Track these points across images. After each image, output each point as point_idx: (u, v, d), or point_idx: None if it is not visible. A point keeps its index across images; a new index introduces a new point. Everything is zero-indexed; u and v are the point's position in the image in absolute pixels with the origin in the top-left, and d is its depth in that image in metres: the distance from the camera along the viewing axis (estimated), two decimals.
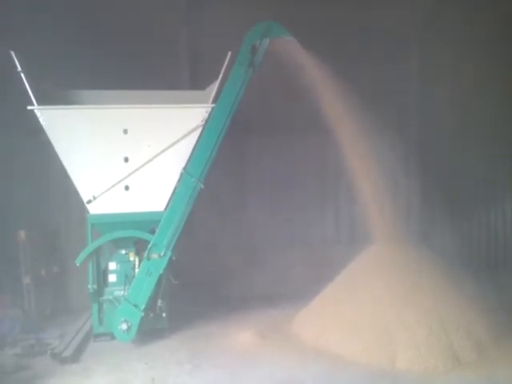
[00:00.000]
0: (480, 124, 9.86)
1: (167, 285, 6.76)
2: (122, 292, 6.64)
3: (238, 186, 9.25)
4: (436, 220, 9.80)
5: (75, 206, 7.29)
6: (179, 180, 6.69)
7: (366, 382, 5.40)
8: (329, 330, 6.41)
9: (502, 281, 8.66)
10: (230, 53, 6.62)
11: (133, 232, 6.68)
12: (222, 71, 6.66)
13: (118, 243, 6.78)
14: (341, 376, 5.50)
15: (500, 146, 10.40)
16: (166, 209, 6.68)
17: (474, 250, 10.49)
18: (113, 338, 6.67)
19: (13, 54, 6.13)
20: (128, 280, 6.71)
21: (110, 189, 6.56)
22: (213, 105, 6.70)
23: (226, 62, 6.64)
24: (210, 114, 6.69)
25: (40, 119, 6.30)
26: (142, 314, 6.48)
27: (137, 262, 6.77)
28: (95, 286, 6.62)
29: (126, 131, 6.57)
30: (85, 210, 6.69)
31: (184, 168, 6.67)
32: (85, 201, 6.55)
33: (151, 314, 6.64)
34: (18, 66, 6.15)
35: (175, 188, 6.70)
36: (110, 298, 6.67)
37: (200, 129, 6.69)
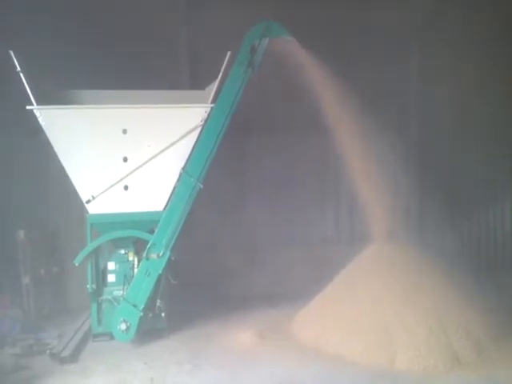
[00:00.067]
0: (480, 124, 9.86)
1: (166, 285, 6.75)
2: (121, 292, 6.63)
3: (237, 186, 9.24)
4: (436, 220, 9.79)
5: (75, 205, 7.28)
6: (178, 180, 6.69)
7: (366, 382, 5.39)
8: (329, 329, 6.40)
9: (502, 281, 8.67)
10: (229, 53, 6.62)
11: (132, 232, 6.67)
12: (222, 71, 6.67)
13: (117, 243, 6.78)
14: (341, 376, 5.49)
15: (500, 146, 10.40)
16: (165, 209, 6.68)
17: (474, 250, 10.49)
18: (112, 337, 6.66)
19: (12, 53, 6.12)
20: (127, 280, 6.70)
21: (109, 189, 6.56)
22: (212, 105, 6.70)
23: (225, 62, 6.64)
24: (209, 114, 6.68)
25: (39, 119, 6.29)
26: (141, 313, 6.48)
27: (136, 262, 6.76)
28: (94, 286, 6.62)
29: (125, 131, 6.56)
30: (84, 210, 6.68)
31: (183, 168, 6.67)
32: (84, 201, 6.54)
33: (150, 314, 6.64)
34: (17, 66, 6.15)
35: (174, 188, 6.70)
36: (109, 297, 6.66)
37: (199, 129, 6.69)
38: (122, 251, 6.83)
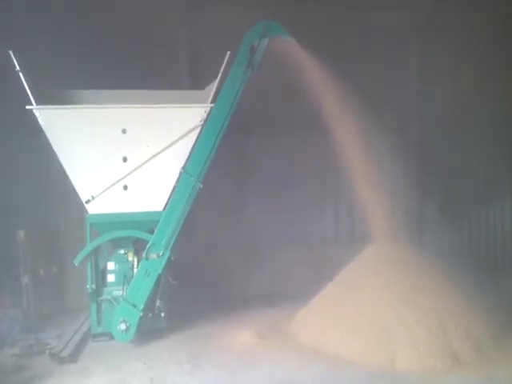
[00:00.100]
0: (480, 124, 9.86)
1: (166, 285, 6.74)
2: (121, 292, 6.63)
3: (237, 186, 9.23)
4: (436, 220, 9.78)
5: (74, 205, 7.28)
6: (178, 180, 6.68)
7: (366, 382, 5.39)
8: (328, 329, 6.40)
9: (502, 281, 8.66)
10: (228, 53, 6.61)
11: (131, 232, 6.67)
12: (221, 71, 6.66)
13: (117, 243, 6.77)
14: (341, 376, 5.49)
15: (500, 146, 10.39)
16: (164, 208, 6.68)
17: (474, 249, 10.49)
18: (111, 337, 6.66)
19: (11, 53, 6.12)
20: (127, 280, 6.69)
21: (108, 189, 6.56)
22: (211, 105, 6.69)
23: (224, 62, 6.63)
24: (208, 114, 6.68)
25: (39, 119, 6.29)
26: (141, 313, 6.48)
27: (135, 262, 6.76)
28: (94, 286, 6.62)
29: (124, 131, 6.56)
30: (84, 210, 6.68)
31: (183, 168, 6.67)
32: (83, 201, 6.54)
33: (150, 314, 6.64)
34: (17, 66, 6.14)
35: (174, 188, 6.70)
36: (109, 297, 6.66)
37: (199, 128, 6.68)
38: (122, 251, 6.82)
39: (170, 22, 9.00)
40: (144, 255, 6.59)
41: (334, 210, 10.11)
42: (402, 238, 7.11)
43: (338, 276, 7.08)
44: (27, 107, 6.23)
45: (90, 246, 6.60)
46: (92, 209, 6.57)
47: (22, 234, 7.84)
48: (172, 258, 6.63)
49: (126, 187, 6.62)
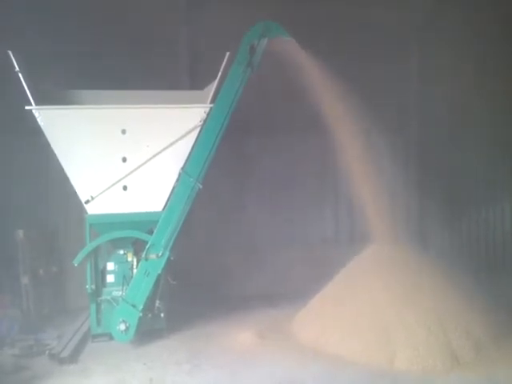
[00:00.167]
0: (480, 124, 9.85)
1: (165, 285, 6.74)
2: (120, 292, 6.62)
3: (237, 186, 9.22)
4: (436, 220, 9.78)
5: (74, 206, 7.27)
6: (177, 180, 6.68)
7: (366, 382, 5.39)
8: (328, 329, 6.40)
9: (502, 281, 8.66)
10: (228, 53, 6.61)
11: (131, 232, 6.66)
12: (221, 71, 6.66)
13: (116, 243, 6.76)
14: (340, 376, 5.49)
15: (500, 146, 10.38)
16: (164, 209, 6.67)
17: (474, 249, 10.48)
18: (111, 338, 6.66)
19: (11, 53, 6.11)
20: (126, 280, 6.68)
21: (108, 189, 6.55)
22: (211, 105, 6.69)
23: (224, 62, 6.63)
24: (208, 114, 6.68)
25: (38, 119, 6.28)
26: (140, 314, 6.47)
27: (135, 263, 6.75)
28: (93, 287, 6.61)
29: (124, 131, 6.55)
30: (83, 210, 6.68)
31: (182, 168, 6.66)
32: (83, 201, 6.54)
33: (149, 315, 6.63)
34: (16, 66, 6.13)
35: (173, 188, 6.69)
36: (108, 298, 6.66)
37: (198, 129, 6.68)
38: (121, 251, 6.82)
39: (170, 22, 8.99)
40: (143, 255, 6.58)
41: (334, 210, 10.10)
42: (401, 238, 7.11)
43: (337, 276, 7.08)
44: (26, 107, 6.23)
45: (89, 247, 6.60)
46: (91, 209, 6.57)
47: (21, 233, 7.83)
48: (171, 259, 6.62)
49: (125, 187, 6.62)
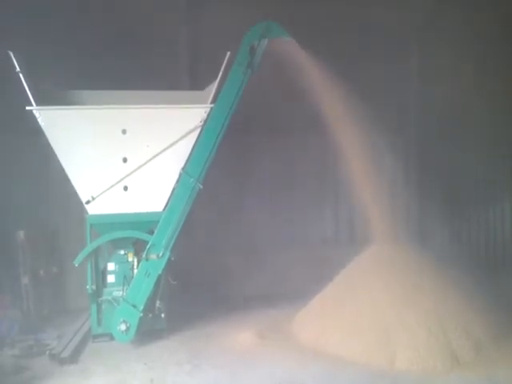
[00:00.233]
0: (480, 124, 9.85)
1: (166, 285, 6.74)
2: (121, 292, 6.62)
3: (237, 186, 9.22)
4: (436, 220, 9.78)
5: (74, 206, 7.24)
6: (178, 180, 6.68)
7: (366, 383, 5.39)
8: (328, 330, 6.40)
9: (502, 281, 8.66)
10: (228, 53, 6.61)
11: (131, 232, 6.67)
12: (221, 71, 6.66)
13: (117, 244, 6.77)
14: (340, 376, 5.49)
15: (500, 145, 10.39)
16: (164, 209, 6.67)
17: (474, 250, 10.49)
18: (111, 338, 6.66)
19: (11, 54, 6.11)
20: (127, 280, 6.69)
21: (108, 189, 6.55)
22: (211, 105, 6.69)
23: (224, 63, 6.63)
24: (208, 115, 6.68)
25: (38, 119, 6.28)
26: (141, 314, 6.47)
27: (135, 263, 6.75)
28: (94, 287, 6.61)
29: (124, 131, 6.55)
30: (84, 211, 6.68)
31: (183, 168, 6.67)
32: (83, 201, 6.54)
33: (150, 315, 6.63)
34: (17, 67, 6.14)
35: (174, 188, 6.69)
36: (109, 298, 6.66)
37: (199, 129, 6.68)
38: (122, 252, 6.82)
39: (170, 22, 8.99)
40: (144, 256, 6.59)
41: (334, 210, 10.11)
42: (401, 238, 7.11)
43: (338, 276, 7.08)
44: (27, 108, 6.23)
45: (90, 247, 6.60)
46: (92, 209, 6.57)
47: (21, 234, 7.85)
48: (172, 259, 6.62)
49: (126, 188, 6.62)
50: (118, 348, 6.51)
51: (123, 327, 6.40)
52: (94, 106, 6.56)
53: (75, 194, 6.53)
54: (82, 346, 6.65)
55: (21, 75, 6.14)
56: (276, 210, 9.40)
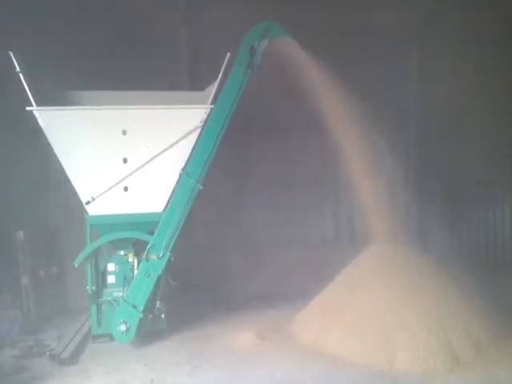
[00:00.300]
0: (480, 124, 9.85)
1: (166, 286, 6.74)
2: (121, 293, 6.62)
3: (237, 187, 9.22)
4: (436, 220, 9.78)
5: (74, 206, 7.26)
6: (178, 181, 6.68)
7: (366, 383, 5.40)
8: (328, 330, 6.40)
9: (502, 281, 8.66)
10: (228, 53, 6.61)
11: (132, 233, 6.67)
12: (221, 72, 6.66)
13: (117, 244, 6.77)
14: (341, 376, 5.50)
15: (500, 146, 10.39)
16: (164, 210, 6.67)
17: (474, 250, 10.49)
18: (112, 339, 6.66)
19: (11, 54, 6.11)
20: (127, 281, 6.69)
21: (108, 190, 6.55)
22: (211, 106, 6.69)
23: (224, 63, 6.63)
24: (208, 115, 6.67)
25: (38, 120, 6.28)
26: (141, 315, 6.47)
27: (136, 263, 6.75)
28: (94, 287, 6.61)
29: (124, 132, 6.55)
30: (84, 211, 6.67)
31: (183, 169, 6.66)
32: (84, 202, 6.53)
33: (150, 315, 6.63)
34: (17, 67, 6.13)
35: (174, 189, 6.69)
36: (109, 299, 6.66)
37: (199, 130, 6.68)
38: (122, 252, 6.82)
39: (170, 22, 8.98)
40: (144, 256, 6.58)
41: (334, 210, 10.11)
42: (401, 239, 7.11)
43: (338, 276, 7.08)
44: (27, 108, 6.22)
45: (90, 248, 6.60)
46: (92, 210, 6.57)
47: (21, 234, 7.84)
48: (172, 259, 6.62)
49: (126, 188, 6.62)
50: (118, 348, 6.51)
51: (123, 328, 6.40)
52: (94, 107, 6.55)
53: (75, 194, 6.53)
54: (82, 346, 6.65)
55: (21, 75, 6.13)
56: (276, 210, 9.39)
